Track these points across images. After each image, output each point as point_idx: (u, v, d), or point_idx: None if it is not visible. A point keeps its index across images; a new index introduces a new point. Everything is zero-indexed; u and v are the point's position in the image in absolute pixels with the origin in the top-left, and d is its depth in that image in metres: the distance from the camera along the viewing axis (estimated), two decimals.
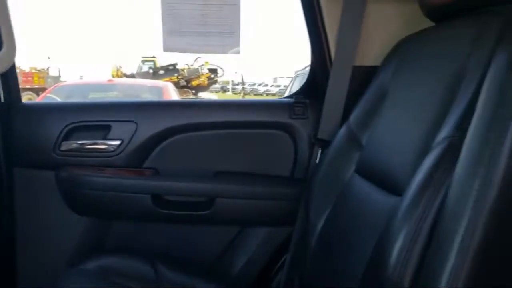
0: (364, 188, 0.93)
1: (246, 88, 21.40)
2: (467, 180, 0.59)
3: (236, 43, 1.26)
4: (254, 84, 28.33)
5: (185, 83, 13.44)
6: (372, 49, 1.17)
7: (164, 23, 1.25)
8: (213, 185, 1.26)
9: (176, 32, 1.25)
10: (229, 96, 20.55)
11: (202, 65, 13.48)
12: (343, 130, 1.12)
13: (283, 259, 1.27)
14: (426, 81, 0.86)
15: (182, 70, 13.88)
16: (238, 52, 1.27)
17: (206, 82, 14.10)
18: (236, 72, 21.51)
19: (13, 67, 1.24)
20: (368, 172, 0.94)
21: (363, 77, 1.15)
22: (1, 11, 1.13)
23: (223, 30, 1.23)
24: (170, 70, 13.80)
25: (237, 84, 21.65)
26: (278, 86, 26.11)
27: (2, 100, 1.22)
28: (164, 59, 14.54)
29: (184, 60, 15.57)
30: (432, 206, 0.64)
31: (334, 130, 1.18)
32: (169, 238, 1.28)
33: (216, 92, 21.52)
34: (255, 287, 1.26)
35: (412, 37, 1.02)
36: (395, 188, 0.77)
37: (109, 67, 15.17)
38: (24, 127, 1.25)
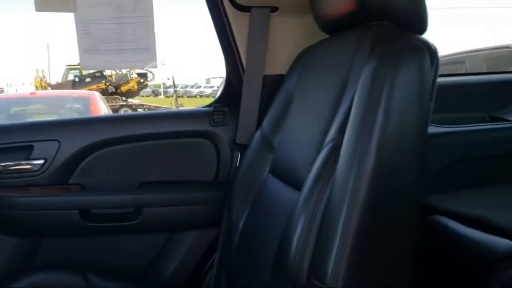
0: (276, 186, 1.04)
1: (178, 90, 21.23)
2: (345, 176, 0.70)
3: (153, 58, 1.31)
4: (187, 86, 28.11)
5: (113, 89, 13.12)
6: (280, 59, 1.28)
7: (80, 42, 1.28)
8: (138, 196, 1.32)
9: (92, 50, 1.29)
10: (161, 99, 20.23)
11: (130, 70, 13.24)
12: (257, 134, 1.22)
13: (212, 259, 1.35)
14: (321, 88, 0.98)
15: (110, 76, 13.55)
16: (155, 66, 1.33)
17: (135, 87, 13.86)
18: (168, 78, 21.27)
19: None
20: (279, 172, 1.04)
21: (273, 85, 1.25)
22: None
23: (139, 46, 1.29)
24: (97, 77, 13.43)
25: (169, 87, 21.40)
26: (212, 87, 26.08)
27: None
28: None
29: None
30: (322, 199, 0.74)
31: (250, 135, 1.27)
32: (100, 250, 1.32)
33: (148, 96, 21.14)
34: None
35: (311, 47, 1.14)
36: (298, 184, 0.87)
37: (32, 78, 14.68)
38: None
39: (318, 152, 0.82)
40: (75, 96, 5.62)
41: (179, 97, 18.37)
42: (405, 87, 0.69)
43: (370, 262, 0.69)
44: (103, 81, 13.31)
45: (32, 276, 1.12)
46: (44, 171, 1.28)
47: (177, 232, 1.37)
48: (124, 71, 13.25)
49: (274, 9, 1.26)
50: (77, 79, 13.76)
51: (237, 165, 1.31)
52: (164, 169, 1.39)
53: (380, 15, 0.88)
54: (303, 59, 1.14)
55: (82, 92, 6.57)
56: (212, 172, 1.40)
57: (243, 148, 1.29)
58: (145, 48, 1.30)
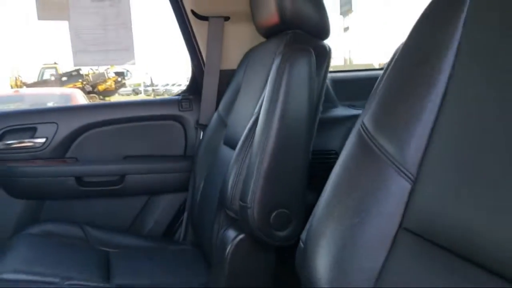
0: (226, 152, 1.39)
1: (158, 89, 21.39)
2: (259, 136, 1.06)
3: (131, 57, 1.66)
4: (168, 84, 28.26)
5: (90, 88, 13.06)
6: (232, 57, 1.63)
7: (73, 44, 1.61)
8: (122, 166, 1.66)
9: (82, 50, 1.63)
10: (141, 97, 20.39)
11: (108, 68, 13.26)
12: (215, 116, 1.57)
13: (182, 216, 1.70)
14: (256, 79, 1.34)
15: (87, 75, 13.45)
16: (134, 64, 1.67)
17: (113, 86, 13.84)
18: (146, 74, 21.42)
19: None
20: (229, 141, 1.40)
21: (227, 77, 1.61)
22: None
23: (119, 48, 1.63)
24: (74, 76, 13.31)
25: (149, 86, 21.57)
26: None
27: None
28: (66, 65, 14.10)
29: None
30: (247, 153, 1.11)
31: (210, 116, 1.62)
32: (92, 209, 1.65)
33: (128, 95, 21.25)
34: (162, 240, 1.67)
35: (254, 48, 1.49)
36: (235, 146, 1.22)
37: (7, 77, 14.32)
38: None
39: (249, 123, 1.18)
40: (57, 93, 5.88)
41: (159, 95, 18.53)
42: (296, 77, 1.05)
43: (275, 189, 1.05)
44: (80, 80, 13.21)
45: (42, 225, 1.46)
46: (46, 147, 1.62)
47: (154, 196, 1.72)
48: (101, 70, 13.23)
49: (227, 18, 1.62)
50: (53, 78, 13.69)
51: (200, 140, 1.66)
52: (142, 145, 1.73)
53: (295, 25, 1.24)
54: (248, 57, 1.50)
55: (65, 90, 6.82)
56: (181, 147, 1.75)
57: (204, 127, 1.64)
58: (125, 48, 1.65)
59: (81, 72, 13.51)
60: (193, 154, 1.70)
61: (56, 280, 1.08)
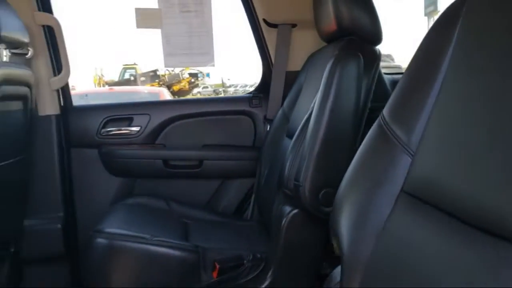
0: (287, 143, 1.61)
1: (238, 90, 22.01)
2: (313, 124, 1.26)
3: (211, 59, 1.94)
4: (246, 85, 29.04)
5: (166, 88, 13.62)
6: (297, 60, 1.85)
7: (164, 48, 1.92)
8: (201, 152, 1.94)
9: (171, 54, 1.93)
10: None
11: (183, 70, 13.61)
12: (280, 112, 1.79)
13: (250, 199, 1.95)
14: (315, 79, 1.54)
15: (163, 75, 13.97)
16: (213, 65, 1.95)
17: (187, 86, 14.16)
18: (229, 79, 22.19)
19: (67, 84, 1.89)
20: (289, 133, 1.61)
21: (292, 78, 1.82)
22: (61, 45, 1.80)
23: (202, 52, 1.91)
24: (151, 76, 13.85)
25: (229, 87, 22.28)
26: None
27: (62, 104, 1.88)
28: (145, 66, 14.61)
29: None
30: (302, 142, 1.31)
31: (276, 112, 1.85)
32: (175, 188, 1.95)
33: (209, 95, 22.11)
34: (232, 217, 1.93)
35: (316, 52, 1.70)
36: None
37: (91, 76, 14.82)
38: (76, 121, 1.91)
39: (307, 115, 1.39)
40: (146, 92, 6.46)
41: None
42: (346, 78, 1.25)
43: (323, 171, 1.25)
44: (157, 80, 13.70)
45: (136, 198, 1.78)
46: (140, 135, 1.94)
47: (226, 179, 1.98)
48: (177, 71, 13.71)
49: (294, 25, 1.84)
50: (132, 78, 14.25)
51: (266, 133, 1.89)
52: (218, 136, 2.00)
53: (350, 32, 1.43)
54: (310, 60, 1.70)
55: (153, 88, 7.44)
56: (251, 139, 2.00)
57: (270, 122, 1.87)
58: (206, 52, 1.93)
59: (158, 73, 14.06)
60: (260, 145, 1.94)
61: (147, 236, 1.36)
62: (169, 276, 1.32)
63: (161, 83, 13.65)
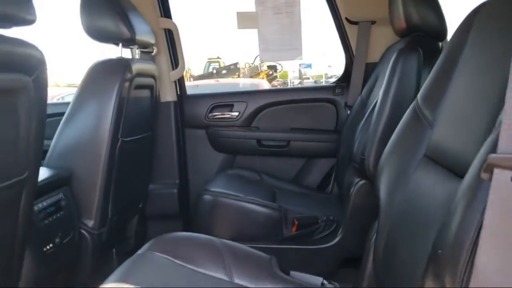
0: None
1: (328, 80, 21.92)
2: (378, 109, 1.51)
3: (299, 54, 2.24)
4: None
5: (266, 80, 14.04)
6: (376, 53, 2.07)
7: (260, 45, 2.26)
8: (288, 134, 2.27)
9: (266, 50, 2.27)
10: None
11: (261, 63, 13.77)
12: (358, 99, 2.04)
13: (331, 177, 2.23)
14: (382, 71, 1.76)
15: (243, 68, 14.41)
16: (301, 59, 2.25)
17: (265, 78, 14.67)
18: (329, 66, 22.25)
19: (182, 76, 2.33)
20: (366, 119, 1.86)
21: (371, 69, 2.06)
22: (178, 44, 2.23)
23: (292, 48, 2.22)
24: (232, 69, 14.32)
25: (330, 77, 22.25)
26: None
27: (178, 93, 2.32)
28: (227, 59, 15.09)
29: (246, 59, 16.11)
30: (369, 123, 1.57)
31: (355, 99, 2.10)
32: (267, 164, 2.30)
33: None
34: (315, 191, 2.22)
35: (390, 46, 1.92)
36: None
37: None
38: (189, 107, 2.34)
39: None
40: (248, 83, 6.98)
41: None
42: (407, 69, 1.47)
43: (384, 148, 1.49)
44: (237, 73, 14.15)
45: (234, 170, 2.16)
46: (239, 119, 2.31)
47: (310, 159, 2.28)
48: (256, 63, 14.20)
49: (373, 22, 2.07)
50: (214, 71, 14.70)
51: (346, 118, 2.15)
52: (304, 121, 2.30)
53: (418, 29, 1.64)
54: (386, 53, 1.93)
55: (254, 80, 7.98)
56: (333, 123, 2.27)
57: (350, 108, 2.13)
58: (296, 48, 2.23)
59: (238, 66, 14.49)
60: (341, 129, 2.20)
61: (241, 195, 1.72)
62: (257, 228, 1.67)
63: (241, 76, 14.11)
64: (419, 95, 1.07)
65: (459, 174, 0.79)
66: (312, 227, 1.66)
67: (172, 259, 1.08)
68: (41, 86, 1.08)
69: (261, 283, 1.07)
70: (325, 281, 1.13)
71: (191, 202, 2.27)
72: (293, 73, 17.35)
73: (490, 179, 0.53)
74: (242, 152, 2.33)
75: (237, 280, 1.07)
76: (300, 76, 18.24)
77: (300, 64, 15.34)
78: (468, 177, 0.64)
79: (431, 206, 0.86)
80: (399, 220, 1.00)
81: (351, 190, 1.61)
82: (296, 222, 1.64)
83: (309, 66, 17.67)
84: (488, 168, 0.54)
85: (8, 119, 1.01)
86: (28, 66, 1.02)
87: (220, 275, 1.07)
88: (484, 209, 0.55)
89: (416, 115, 1.05)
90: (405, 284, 0.87)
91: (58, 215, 1.47)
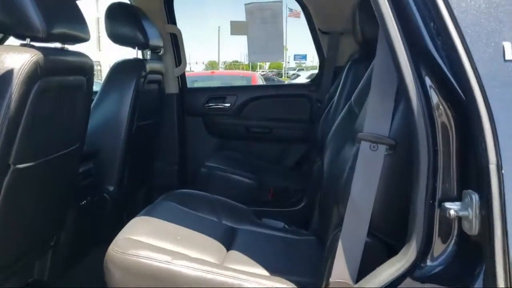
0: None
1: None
2: (335, 105, 1.99)
3: (281, 56, 2.71)
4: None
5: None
6: (343, 58, 2.54)
7: (249, 49, 2.73)
8: (271, 123, 2.75)
9: (253, 53, 2.74)
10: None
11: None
12: (327, 96, 2.52)
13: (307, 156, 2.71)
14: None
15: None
16: (282, 61, 2.74)
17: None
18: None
19: (184, 72, 2.79)
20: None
21: (338, 71, 2.53)
22: (181, 46, 2.69)
23: (274, 51, 2.69)
24: None
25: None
26: None
27: (180, 86, 2.78)
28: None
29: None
30: (334, 113, 2.05)
31: (325, 95, 2.57)
32: (252, 147, 2.78)
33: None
34: (290, 168, 2.71)
35: (355, 52, 2.39)
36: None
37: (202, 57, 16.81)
38: (189, 98, 2.81)
39: None
40: (241, 75, 7.45)
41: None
42: (357, 76, 1.94)
43: None
44: None
45: (224, 152, 2.64)
46: (230, 109, 2.79)
47: (288, 142, 2.77)
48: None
49: (341, 33, 2.54)
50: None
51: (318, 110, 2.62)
52: (285, 112, 2.78)
53: (372, 41, 2.12)
54: (351, 58, 2.40)
55: (247, 72, 8.48)
56: (308, 114, 2.75)
57: (321, 102, 2.60)
58: (278, 51, 2.71)
59: None
60: (313, 119, 2.67)
61: (230, 168, 2.21)
62: (241, 194, 2.15)
63: None
64: (353, 98, 1.55)
65: None
66: (285, 195, 2.15)
67: (180, 206, 1.56)
68: (90, 84, 1.55)
69: (241, 225, 1.55)
70: (286, 225, 1.62)
71: (188, 176, 2.75)
72: (288, 63, 18.00)
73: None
74: (233, 136, 2.81)
75: (225, 222, 1.55)
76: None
77: (295, 55, 16.03)
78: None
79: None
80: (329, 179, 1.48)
81: (314, 166, 2.09)
82: (271, 190, 2.13)
83: (304, 57, 18.26)
84: (357, 140, 1.03)
85: (70, 106, 1.48)
86: (84, 70, 1.49)
87: (213, 218, 1.55)
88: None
89: (350, 110, 1.53)
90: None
91: (90, 179, 1.93)
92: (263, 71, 16.89)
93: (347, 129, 1.44)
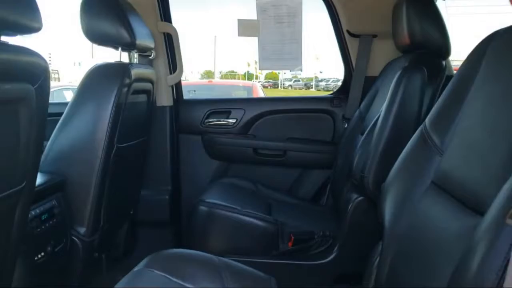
0: (360, 139, 1.85)
1: (330, 84, 22.21)
2: (380, 126, 1.50)
3: (299, 64, 2.23)
4: (338, 80, 29.02)
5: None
6: (376, 67, 2.07)
7: (260, 54, 2.25)
8: (285, 144, 2.25)
9: (266, 59, 2.25)
10: (312, 92, 21.45)
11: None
12: (357, 112, 2.04)
13: (327, 188, 2.22)
14: (388, 85, 1.76)
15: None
16: (301, 70, 2.24)
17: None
18: (321, 72, 22.43)
19: (179, 81, 2.30)
20: (363, 132, 1.85)
21: (371, 82, 2.05)
22: (176, 49, 2.19)
23: (291, 57, 2.21)
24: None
25: (320, 81, 22.48)
26: None
27: (175, 97, 2.29)
28: None
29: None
30: (370, 139, 1.56)
31: (353, 112, 2.09)
32: (262, 173, 2.28)
33: (300, 89, 22.48)
34: (310, 202, 2.21)
35: (392, 61, 1.91)
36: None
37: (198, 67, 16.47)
38: (185, 112, 2.31)
39: None
40: (241, 85, 6.95)
41: (328, 90, 19.29)
42: (411, 88, 1.46)
43: (385, 166, 1.46)
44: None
45: (229, 179, 2.14)
46: (235, 126, 2.29)
47: (306, 169, 2.27)
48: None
49: (374, 36, 2.06)
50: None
51: (344, 130, 2.14)
52: (301, 131, 2.29)
53: (422, 47, 1.64)
54: (387, 68, 1.92)
55: (247, 82, 7.96)
56: (330, 135, 2.26)
57: (348, 120, 2.12)
58: (295, 58, 2.22)
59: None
60: (338, 140, 2.19)
61: (238, 207, 1.70)
62: (253, 242, 1.65)
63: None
64: (427, 119, 1.06)
65: (473, 208, 0.79)
66: (309, 243, 1.65)
67: (170, 277, 1.06)
68: (43, 94, 1.05)
69: None
70: None
71: (183, 210, 2.24)
72: (284, 74, 17.68)
73: None
74: (238, 160, 2.31)
75: None
76: (316, 78, 18.74)
77: None
78: (489, 217, 0.63)
79: (442, 239, 0.85)
80: (405, 246, 0.99)
81: (349, 206, 1.60)
82: (292, 237, 1.63)
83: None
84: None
85: (8, 128, 0.98)
86: (31, 75, 0.99)
87: None
88: (507, 252, 0.54)
89: (423, 139, 1.04)
90: None
91: (51, 222, 1.43)
92: (259, 82, 16.54)
93: (423, 166, 1.00)
